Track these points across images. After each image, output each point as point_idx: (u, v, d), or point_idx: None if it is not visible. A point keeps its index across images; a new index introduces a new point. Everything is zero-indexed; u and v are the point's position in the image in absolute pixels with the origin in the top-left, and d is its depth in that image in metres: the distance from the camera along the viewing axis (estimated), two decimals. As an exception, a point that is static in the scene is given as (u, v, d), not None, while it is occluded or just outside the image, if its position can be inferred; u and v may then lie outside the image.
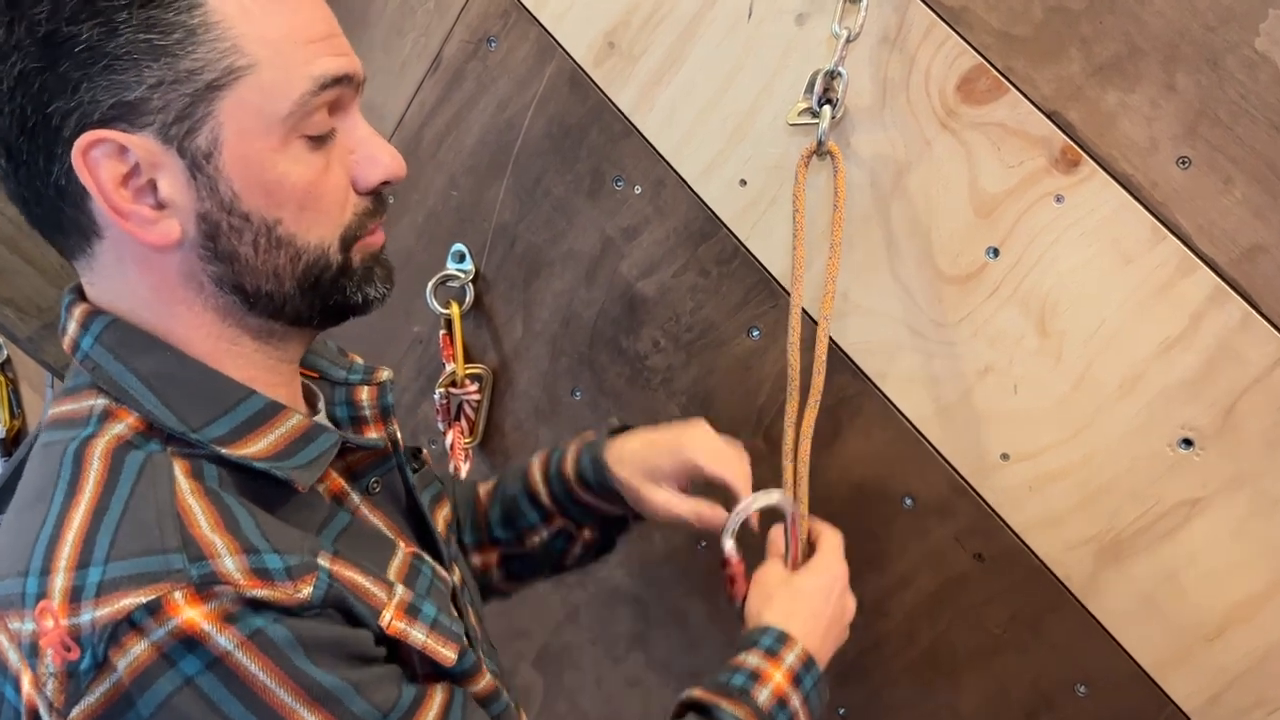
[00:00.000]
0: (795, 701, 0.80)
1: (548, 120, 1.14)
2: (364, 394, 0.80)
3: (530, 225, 1.18)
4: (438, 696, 0.66)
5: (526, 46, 1.13)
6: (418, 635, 0.66)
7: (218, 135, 0.62)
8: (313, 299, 0.68)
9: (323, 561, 0.62)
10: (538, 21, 1.12)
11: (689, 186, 1.06)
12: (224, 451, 0.64)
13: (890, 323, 0.97)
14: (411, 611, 0.66)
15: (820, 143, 0.93)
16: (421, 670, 0.67)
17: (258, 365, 0.70)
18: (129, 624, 0.56)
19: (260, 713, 0.57)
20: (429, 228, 1.25)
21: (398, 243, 1.28)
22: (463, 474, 1.22)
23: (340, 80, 0.65)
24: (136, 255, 0.65)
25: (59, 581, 0.57)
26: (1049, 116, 0.87)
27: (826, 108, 0.93)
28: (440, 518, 0.84)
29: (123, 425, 0.64)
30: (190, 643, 0.56)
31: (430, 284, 1.22)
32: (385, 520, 0.76)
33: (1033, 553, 0.94)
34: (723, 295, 1.06)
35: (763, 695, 0.79)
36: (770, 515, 0.91)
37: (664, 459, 0.89)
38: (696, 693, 0.80)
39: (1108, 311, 0.88)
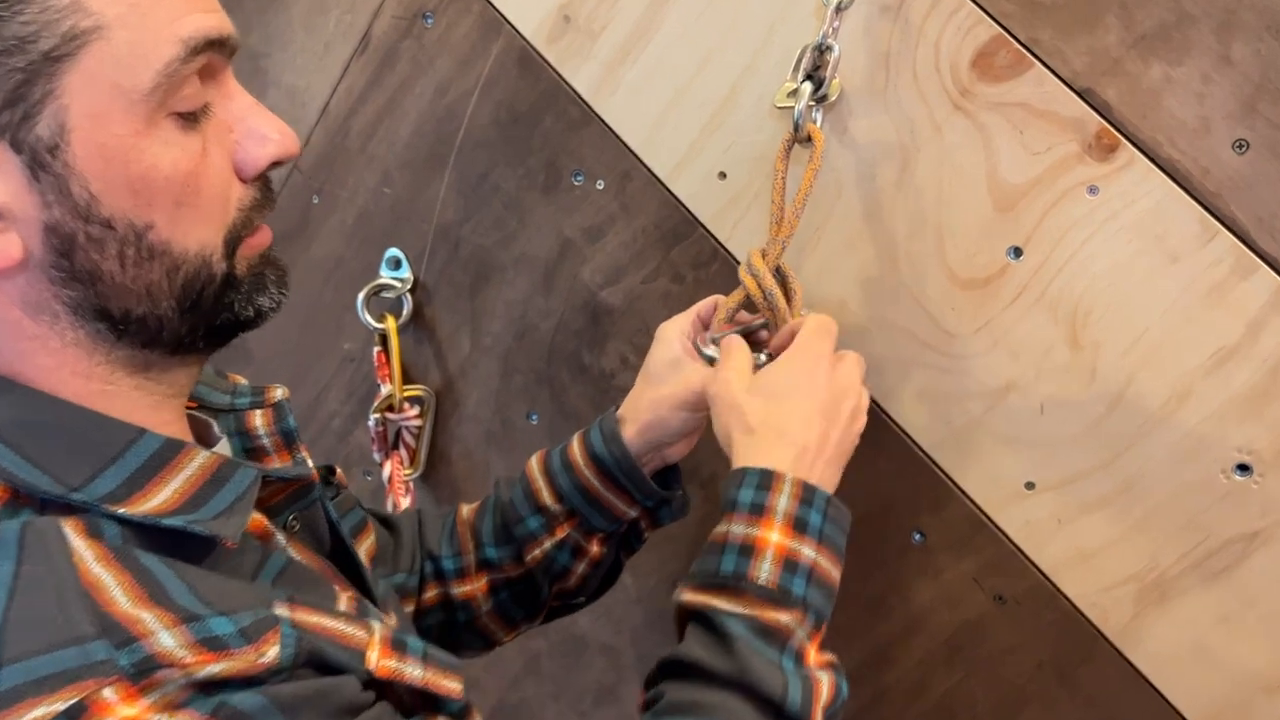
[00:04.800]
0: (807, 552, 0.66)
1: (495, 106, 1.00)
2: (258, 419, 0.66)
3: (477, 226, 1.04)
4: None
5: (469, 22, 0.99)
6: (413, 671, 0.54)
7: (63, 121, 0.48)
8: (195, 320, 0.55)
9: (281, 611, 0.50)
10: (481, -7, 0.98)
11: (659, 181, 0.93)
12: (120, 512, 0.50)
13: (897, 334, 0.85)
14: (398, 645, 0.54)
15: (798, 126, 0.80)
16: (422, 711, 0.55)
17: (138, 405, 0.56)
18: None
19: None
20: (360, 230, 1.11)
21: (325, 248, 1.13)
22: (402, 509, 1.07)
23: (214, 44, 0.52)
24: None
25: None
26: (1081, 94, 0.76)
27: (807, 84, 0.81)
28: (363, 551, 0.71)
29: None
30: None
31: (361, 295, 1.07)
32: (314, 561, 0.63)
33: (1062, 594, 0.83)
34: (700, 304, 0.94)
35: (763, 572, 0.64)
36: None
37: (674, 388, 0.78)
38: (686, 596, 0.66)
39: (1150, 319, 0.76)
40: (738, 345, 0.76)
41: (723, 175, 0.90)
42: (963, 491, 0.85)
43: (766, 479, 0.68)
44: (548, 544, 0.80)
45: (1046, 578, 0.83)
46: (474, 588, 0.82)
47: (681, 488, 0.83)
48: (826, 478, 0.71)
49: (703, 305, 0.81)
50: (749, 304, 0.80)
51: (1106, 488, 0.80)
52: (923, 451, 0.86)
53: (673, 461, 0.81)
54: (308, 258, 1.14)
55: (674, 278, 0.94)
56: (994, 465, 0.84)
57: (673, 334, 0.80)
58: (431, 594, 0.82)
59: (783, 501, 0.67)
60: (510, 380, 1.05)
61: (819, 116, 0.83)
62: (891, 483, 0.88)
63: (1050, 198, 0.78)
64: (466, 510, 0.85)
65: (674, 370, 0.78)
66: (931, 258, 0.83)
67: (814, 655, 0.65)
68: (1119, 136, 0.75)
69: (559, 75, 0.95)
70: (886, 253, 0.84)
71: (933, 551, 0.88)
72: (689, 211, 0.92)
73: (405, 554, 0.82)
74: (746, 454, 0.70)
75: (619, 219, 0.96)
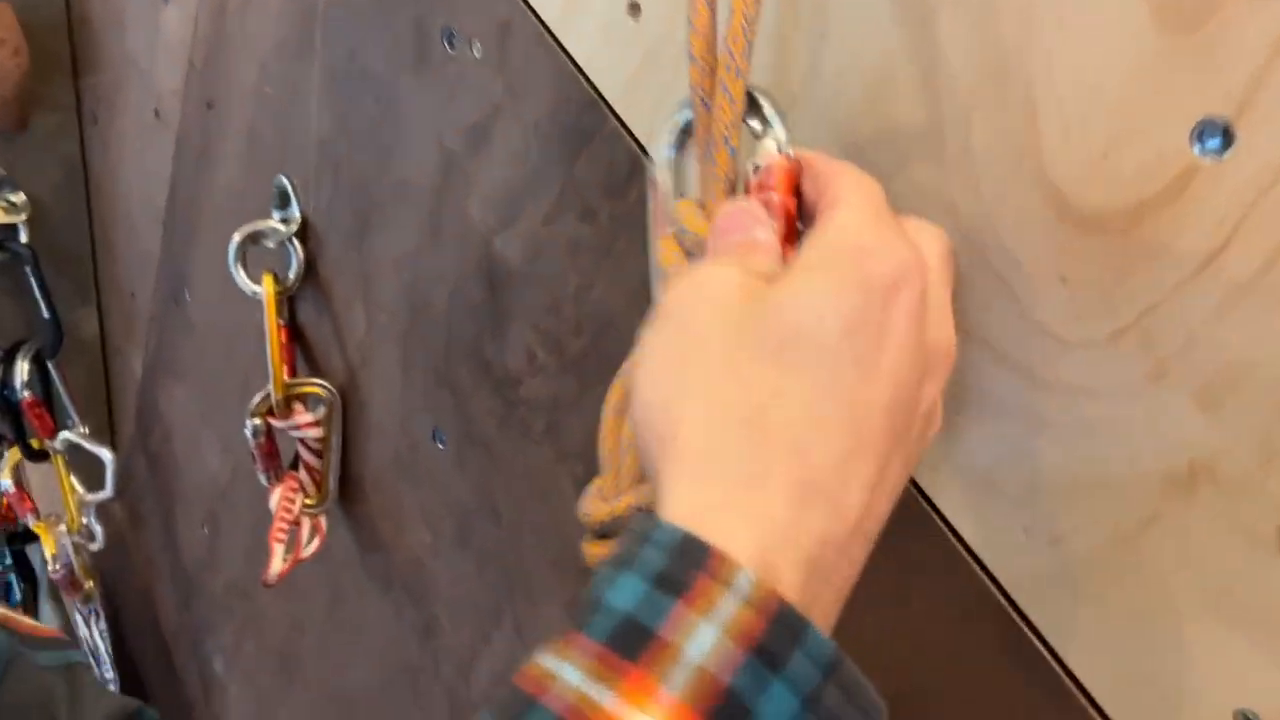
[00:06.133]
0: None
1: (352, -65, 0.62)
2: None
3: (355, 138, 0.66)
4: None
5: None
6: None
7: None
8: None
9: None
10: None
11: (550, 33, 0.51)
12: None
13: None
14: None
15: None
16: None
17: None
18: None
19: None
20: (251, 153, 0.77)
21: (225, 177, 0.81)
22: (274, 568, 0.73)
23: None
24: None
25: None
26: None
27: None
28: None
29: None
30: None
31: (234, 243, 0.73)
32: None
33: None
34: (617, 259, 0.50)
35: None
36: None
37: None
38: None
39: None
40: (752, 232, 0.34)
41: (634, 8, 0.46)
42: (1087, 695, 0.37)
43: (689, 560, 0.27)
44: None
45: None
46: None
47: None
48: (849, 568, 0.30)
49: None
50: None
51: None
52: (1003, 593, 0.39)
53: None
54: (211, 192, 0.82)
55: (583, 214, 0.52)
56: (1166, 650, 0.35)
57: None
58: None
59: (704, 637, 0.26)
60: (411, 378, 0.67)
61: None
62: (939, 642, 0.42)
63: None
64: None
65: None
66: (1015, 153, 0.35)
67: None
68: None
69: None
70: (917, 148, 0.38)
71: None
72: (591, 84, 0.49)
73: None
74: (683, 479, 0.29)
75: (505, 109, 0.54)
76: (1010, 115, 0.35)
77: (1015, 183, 0.35)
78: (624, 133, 0.48)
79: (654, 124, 0.47)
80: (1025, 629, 0.39)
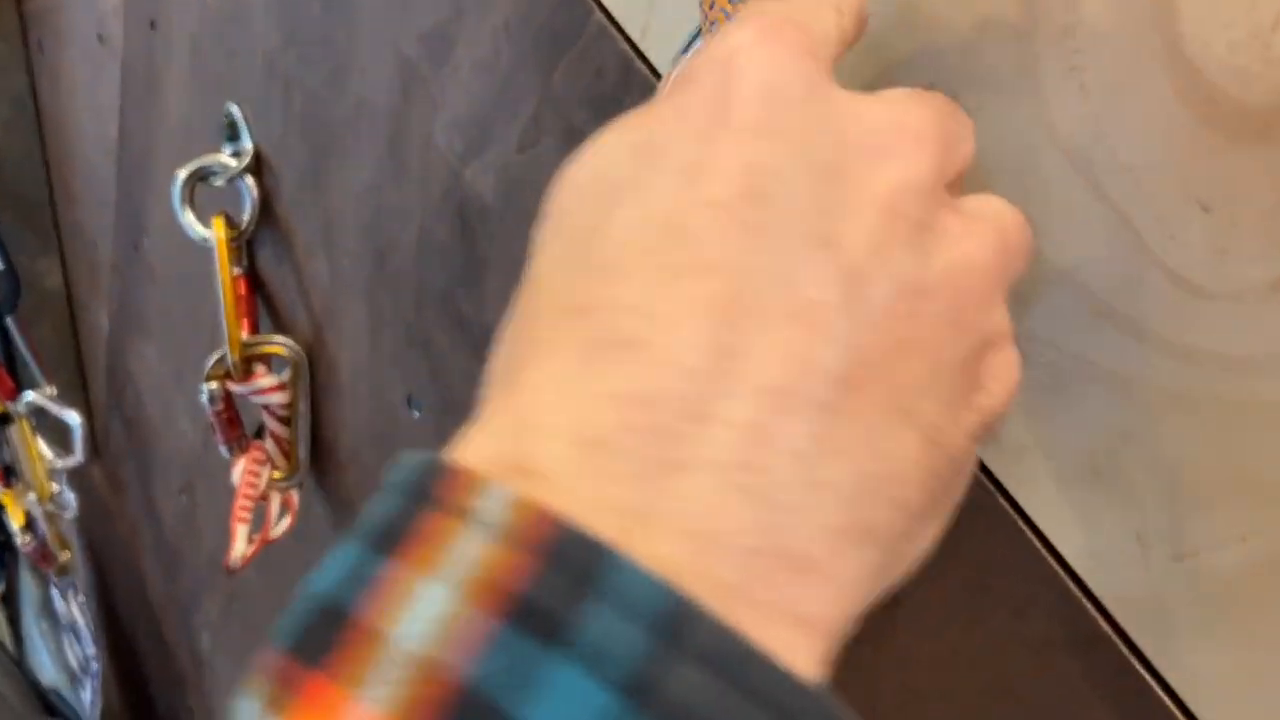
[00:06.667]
0: None
1: None
2: None
3: (305, 50, 0.57)
4: None
5: None
6: None
7: None
8: None
9: None
10: None
11: (516, -95, 0.41)
12: None
13: (1037, 290, 0.29)
14: None
15: None
16: None
17: None
18: None
19: None
20: (197, 77, 0.67)
21: (175, 108, 0.71)
22: (237, 551, 0.65)
23: None
24: None
25: None
26: None
27: None
28: None
29: None
30: None
31: (179, 179, 0.64)
32: None
33: None
34: (608, 194, 0.41)
35: None
36: None
37: None
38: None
39: None
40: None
41: None
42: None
43: (419, 495, 0.17)
44: None
45: None
46: None
47: None
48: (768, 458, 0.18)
49: None
50: None
51: None
52: (1107, 618, 0.30)
53: None
54: (161, 125, 0.73)
55: (565, 134, 0.42)
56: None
57: None
58: None
59: (427, 606, 0.16)
60: (380, 337, 0.58)
61: None
62: (1019, 677, 0.33)
63: None
64: None
65: None
66: (1138, 24, 0.25)
67: None
68: None
69: None
70: (999, 19, 0.28)
71: None
72: (570, -26, 0.39)
73: None
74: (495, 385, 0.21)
75: (469, 10, 0.45)
76: (1133, -26, 0.25)
77: (1137, 67, 0.25)
78: (613, 30, 0.38)
79: (650, 18, 0.38)
80: (1138, 665, 0.30)
